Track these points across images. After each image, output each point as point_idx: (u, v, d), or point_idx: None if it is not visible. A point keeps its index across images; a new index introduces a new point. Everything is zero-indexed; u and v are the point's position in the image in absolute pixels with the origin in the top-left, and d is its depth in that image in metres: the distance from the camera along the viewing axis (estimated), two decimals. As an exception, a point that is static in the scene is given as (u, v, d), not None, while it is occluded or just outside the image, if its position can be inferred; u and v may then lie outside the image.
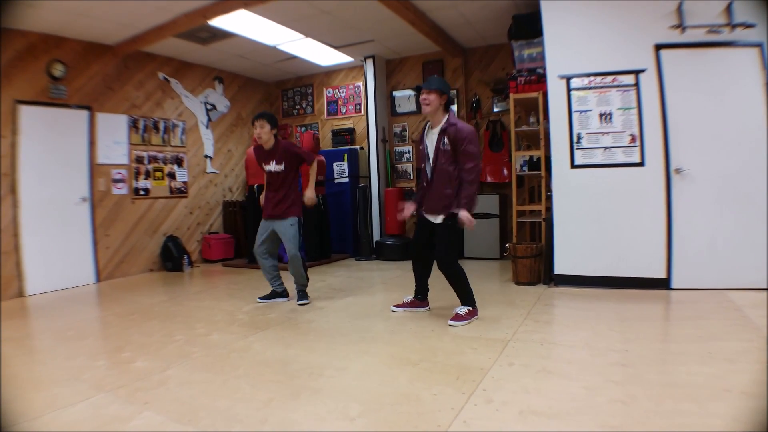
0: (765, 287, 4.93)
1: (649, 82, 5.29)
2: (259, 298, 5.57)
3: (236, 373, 3.33)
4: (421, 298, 4.89)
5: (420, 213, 4.65)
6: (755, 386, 2.74)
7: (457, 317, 4.32)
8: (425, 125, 4.57)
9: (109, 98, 7.51)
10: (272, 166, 5.31)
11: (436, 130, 4.38)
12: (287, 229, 5.25)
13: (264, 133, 5.26)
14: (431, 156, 4.42)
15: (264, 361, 3.56)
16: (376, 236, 8.84)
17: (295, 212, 5.31)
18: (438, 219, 4.42)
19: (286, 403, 2.80)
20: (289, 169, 5.29)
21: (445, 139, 4.29)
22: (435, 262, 4.63)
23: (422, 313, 4.75)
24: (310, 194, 5.36)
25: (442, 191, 4.34)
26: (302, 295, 5.39)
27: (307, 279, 5.48)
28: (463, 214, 4.16)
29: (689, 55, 5.20)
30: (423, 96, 4.35)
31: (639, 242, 5.35)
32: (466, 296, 4.47)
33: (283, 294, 5.58)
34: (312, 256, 7.87)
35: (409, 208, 4.71)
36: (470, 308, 4.43)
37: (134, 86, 7.89)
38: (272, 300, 5.52)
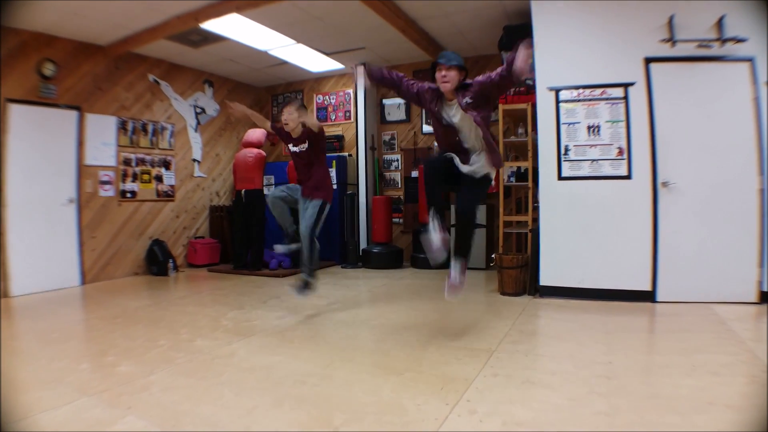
0: (750, 301, 4.98)
1: (638, 95, 5.34)
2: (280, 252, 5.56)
3: (220, 380, 3.30)
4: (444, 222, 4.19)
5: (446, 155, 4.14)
6: (739, 399, 2.76)
7: (454, 288, 3.99)
8: (435, 92, 4.11)
9: (98, 99, 7.47)
10: (297, 148, 5.27)
11: (454, 101, 3.99)
12: (308, 207, 5.16)
13: (291, 120, 5.21)
14: (460, 118, 3.99)
15: (248, 368, 3.54)
16: (363, 244, 8.83)
17: (321, 195, 5.19)
18: (480, 171, 4.04)
19: (269, 411, 2.79)
20: (314, 149, 5.22)
21: (468, 99, 3.91)
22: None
23: (406, 323, 4.67)
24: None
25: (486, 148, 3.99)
26: (302, 285, 5.18)
27: (312, 270, 5.22)
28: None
29: (679, 69, 5.25)
30: (442, 73, 3.92)
31: (625, 255, 5.38)
32: (469, 249, 4.09)
33: (296, 239, 5.42)
34: (298, 263, 7.84)
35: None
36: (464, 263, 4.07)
37: (124, 87, 7.86)
38: (290, 247, 5.41)
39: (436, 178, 4.11)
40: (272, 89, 10.53)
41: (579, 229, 5.53)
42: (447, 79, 3.92)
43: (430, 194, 4.18)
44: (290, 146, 5.40)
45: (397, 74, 4.39)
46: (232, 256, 8.81)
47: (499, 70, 3.76)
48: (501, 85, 3.85)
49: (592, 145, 5.48)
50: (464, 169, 4.03)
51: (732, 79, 5.12)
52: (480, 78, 3.92)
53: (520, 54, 3.51)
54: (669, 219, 5.25)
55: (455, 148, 4.12)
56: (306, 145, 5.23)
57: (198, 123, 9.17)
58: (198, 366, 3.60)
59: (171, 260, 8.09)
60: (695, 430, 2.42)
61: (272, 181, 8.87)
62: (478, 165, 4.05)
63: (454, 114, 4.03)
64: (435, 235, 3.97)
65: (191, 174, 9.06)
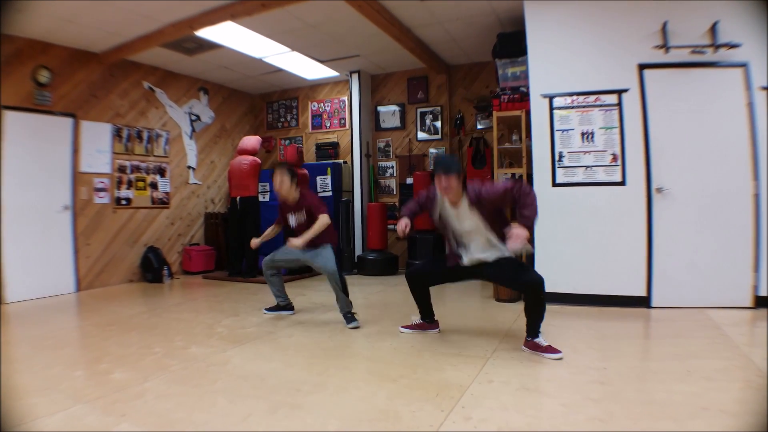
0: (745, 305, 5.00)
1: (631, 101, 5.36)
2: (265, 309, 5.49)
3: (214, 387, 3.29)
4: (429, 321, 4.58)
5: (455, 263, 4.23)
6: (734, 404, 2.77)
7: (550, 349, 3.79)
8: (434, 197, 4.19)
9: (93, 106, 7.47)
10: (295, 220, 5.13)
11: (462, 206, 4.02)
12: (320, 254, 4.98)
13: (284, 189, 5.04)
14: (468, 223, 4.04)
15: (242, 376, 3.53)
16: (358, 251, 8.84)
17: (327, 240, 5.03)
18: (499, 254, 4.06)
19: (263, 419, 2.78)
20: (311, 219, 5.04)
21: (479, 210, 3.95)
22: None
23: (404, 330, 4.69)
24: (297, 242, 4.88)
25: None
26: (351, 316, 4.94)
27: (348, 300, 4.99)
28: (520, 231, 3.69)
29: (673, 75, 5.28)
30: (443, 183, 3.91)
31: (619, 261, 5.39)
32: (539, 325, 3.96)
33: (288, 307, 5.47)
34: (293, 270, 7.85)
35: (406, 222, 4.18)
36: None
37: (119, 95, 7.86)
38: (278, 312, 5.42)
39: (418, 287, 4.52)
40: (267, 96, 10.53)
41: (573, 235, 5.54)
42: (450, 188, 3.94)
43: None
44: (288, 217, 5.21)
45: (417, 201, 4.41)
46: (227, 263, 8.79)
47: (513, 189, 3.88)
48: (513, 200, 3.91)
49: (586, 152, 5.50)
50: (468, 261, 4.14)
51: (726, 84, 5.15)
52: (495, 189, 3.94)
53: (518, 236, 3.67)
54: (663, 224, 5.27)
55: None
56: (304, 217, 5.07)
57: (193, 130, 9.17)
58: (193, 373, 3.59)
59: (166, 267, 8.08)
60: (689, 436, 2.43)
61: (267, 188, 8.86)
62: (491, 253, 4.08)
63: (462, 218, 4.07)
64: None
65: (186, 181, 9.05)
